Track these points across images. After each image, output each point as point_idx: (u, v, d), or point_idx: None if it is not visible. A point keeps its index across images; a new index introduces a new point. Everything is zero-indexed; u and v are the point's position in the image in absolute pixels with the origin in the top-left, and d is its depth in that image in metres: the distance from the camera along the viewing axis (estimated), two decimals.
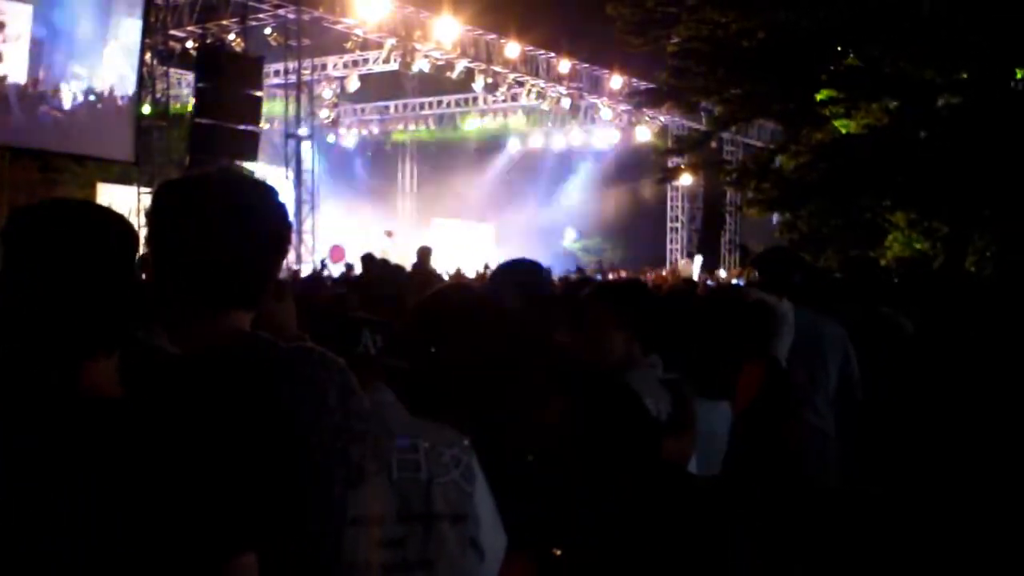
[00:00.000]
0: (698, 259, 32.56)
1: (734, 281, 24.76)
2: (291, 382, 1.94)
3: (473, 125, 35.62)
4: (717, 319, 4.44)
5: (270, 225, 2.08)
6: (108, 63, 19.49)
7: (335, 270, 20.25)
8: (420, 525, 2.56)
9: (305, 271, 18.99)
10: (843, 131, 18.35)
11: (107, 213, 1.84)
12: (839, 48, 17.47)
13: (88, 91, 19.08)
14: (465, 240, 32.93)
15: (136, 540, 1.66)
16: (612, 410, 3.20)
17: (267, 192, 2.11)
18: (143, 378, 1.86)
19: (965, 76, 15.48)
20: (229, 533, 1.75)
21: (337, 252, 24.74)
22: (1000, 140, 15.98)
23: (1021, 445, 5.95)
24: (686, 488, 3.45)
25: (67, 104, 18.67)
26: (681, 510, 3.34)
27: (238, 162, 18.76)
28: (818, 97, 17.69)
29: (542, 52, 28.85)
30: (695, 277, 24.79)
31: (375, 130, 37.30)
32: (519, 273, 3.72)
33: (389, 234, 27.84)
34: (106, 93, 19.50)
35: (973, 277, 16.22)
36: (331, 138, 35.17)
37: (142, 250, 1.90)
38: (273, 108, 26.25)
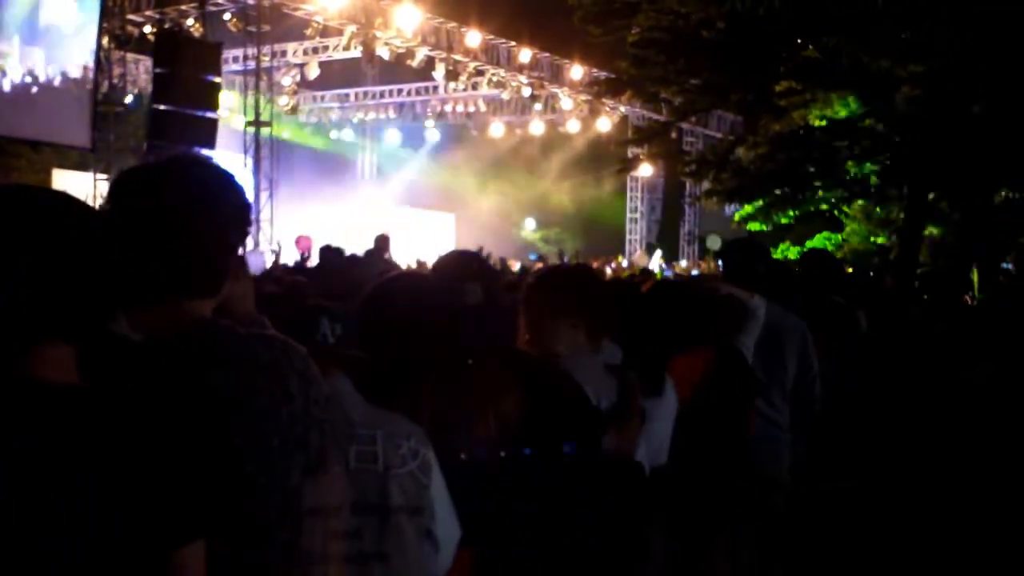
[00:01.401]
0: (658, 252, 32.67)
1: (694, 272, 24.87)
2: (251, 369, 1.93)
3: (433, 113, 35.52)
4: (661, 309, 4.42)
5: (230, 212, 2.07)
6: (63, 47, 19.27)
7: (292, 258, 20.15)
8: (376, 517, 2.56)
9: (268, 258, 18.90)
10: (801, 122, 18.46)
11: (66, 200, 1.81)
12: (799, 40, 17.56)
13: (43, 75, 18.85)
14: (425, 229, 32.88)
15: (77, 528, 1.64)
16: (548, 401, 3.22)
17: (226, 178, 2.10)
18: (101, 366, 1.85)
19: (922, 69, 15.59)
20: (176, 522, 1.73)
21: (304, 242, 24.59)
22: (956, 132, 16.14)
23: (973, 437, 6.01)
24: (615, 479, 3.48)
25: (20, 88, 18.44)
26: (604, 500, 3.37)
27: (196, 149, 18.60)
28: (777, 88, 17.78)
29: (503, 41, 28.80)
30: (655, 268, 24.86)
31: (335, 118, 37.12)
32: (464, 262, 3.70)
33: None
34: (62, 77, 19.29)
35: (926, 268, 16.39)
36: (290, 125, 34.94)
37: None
38: (231, 100, 26.10)
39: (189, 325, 1.96)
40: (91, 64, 19.80)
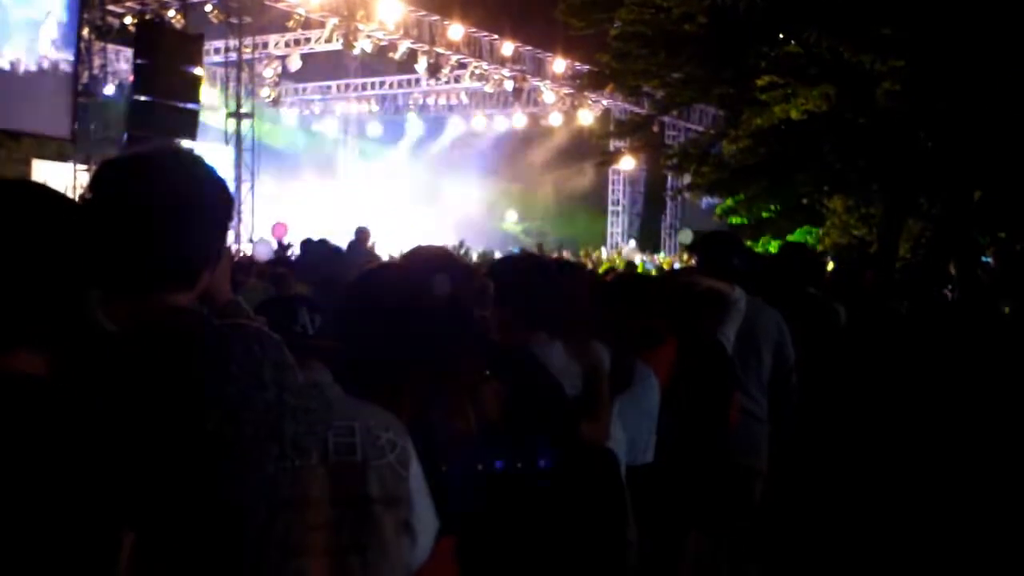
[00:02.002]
0: (631, 243, 32.74)
1: (676, 265, 24.91)
2: (224, 358, 1.93)
3: (415, 106, 35.49)
4: (623, 303, 4.43)
5: (211, 204, 2.06)
6: (44, 37, 19.17)
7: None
8: (354, 509, 2.56)
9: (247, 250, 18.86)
10: (782, 116, 18.49)
11: (38, 194, 1.81)
12: (780, 35, 17.59)
13: (23, 65, 18.76)
14: (406, 222, 32.81)
15: (25, 516, 1.64)
16: (527, 393, 3.24)
17: (208, 170, 2.09)
18: (73, 355, 1.85)
19: (902, 64, 15.64)
20: (117, 510, 1.74)
21: (280, 229, 24.50)
22: (935, 128, 16.22)
23: (953, 430, 6.05)
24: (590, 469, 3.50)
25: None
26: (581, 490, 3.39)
27: (176, 140, 18.52)
28: (758, 83, 17.80)
29: (485, 34, 28.79)
30: (636, 261, 24.92)
31: (317, 110, 37.05)
32: (432, 254, 3.70)
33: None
34: (42, 67, 19.19)
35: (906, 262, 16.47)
36: (272, 117, 34.87)
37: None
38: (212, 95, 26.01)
39: (161, 315, 1.96)
40: (72, 54, 19.70)
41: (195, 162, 2.11)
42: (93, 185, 2.01)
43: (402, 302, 3.00)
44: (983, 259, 17.55)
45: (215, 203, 2.07)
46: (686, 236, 28.46)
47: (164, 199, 1.96)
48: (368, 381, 2.81)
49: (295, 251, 14.44)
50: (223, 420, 1.89)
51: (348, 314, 2.93)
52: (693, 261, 13.20)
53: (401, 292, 3.05)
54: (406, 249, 3.74)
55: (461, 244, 22.27)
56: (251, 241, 20.58)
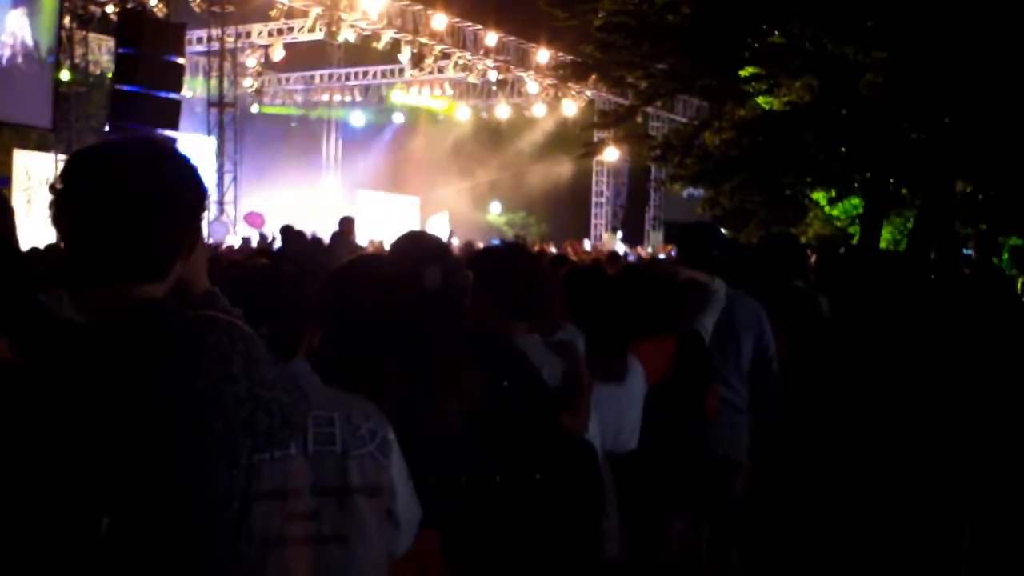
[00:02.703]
0: (618, 234, 32.75)
1: (660, 256, 24.93)
2: (194, 351, 1.90)
3: (399, 97, 35.39)
4: (625, 294, 4.45)
5: (184, 195, 2.04)
6: (24, 26, 19.07)
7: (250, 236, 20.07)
8: (335, 498, 2.56)
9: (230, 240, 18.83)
10: (766, 107, 18.54)
11: None
12: (763, 26, 17.62)
13: (3, 54, 18.66)
14: (390, 213, 32.78)
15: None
16: (509, 383, 3.24)
17: (181, 161, 2.07)
18: (39, 345, 1.85)
19: (885, 55, 15.69)
20: (93, 500, 1.74)
21: (253, 218, 24.39)
22: (918, 118, 16.27)
23: (935, 422, 6.07)
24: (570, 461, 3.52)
25: None
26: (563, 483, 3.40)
27: (159, 130, 18.45)
28: (742, 74, 17.84)
29: (469, 24, 28.74)
30: (620, 251, 24.92)
31: (300, 100, 36.94)
32: (421, 244, 3.69)
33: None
34: (23, 57, 19.09)
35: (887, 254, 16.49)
36: (255, 108, 34.78)
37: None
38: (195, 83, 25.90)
39: (131, 307, 1.94)
40: (53, 43, 19.61)
41: (167, 152, 2.09)
42: (64, 175, 1.99)
43: (386, 292, 3.00)
44: (964, 251, 17.64)
45: (187, 193, 2.04)
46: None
47: (133, 189, 1.94)
48: (351, 371, 2.82)
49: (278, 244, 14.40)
50: (193, 414, 1.87)
51: (331, 305, 2.93)
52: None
53: (384, 282, 3.05)
54: (392, 239, 3.73)
55: (451, 234, 22.08)
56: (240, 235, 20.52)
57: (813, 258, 13.66)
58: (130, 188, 1.94)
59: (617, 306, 4.32)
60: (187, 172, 2.06)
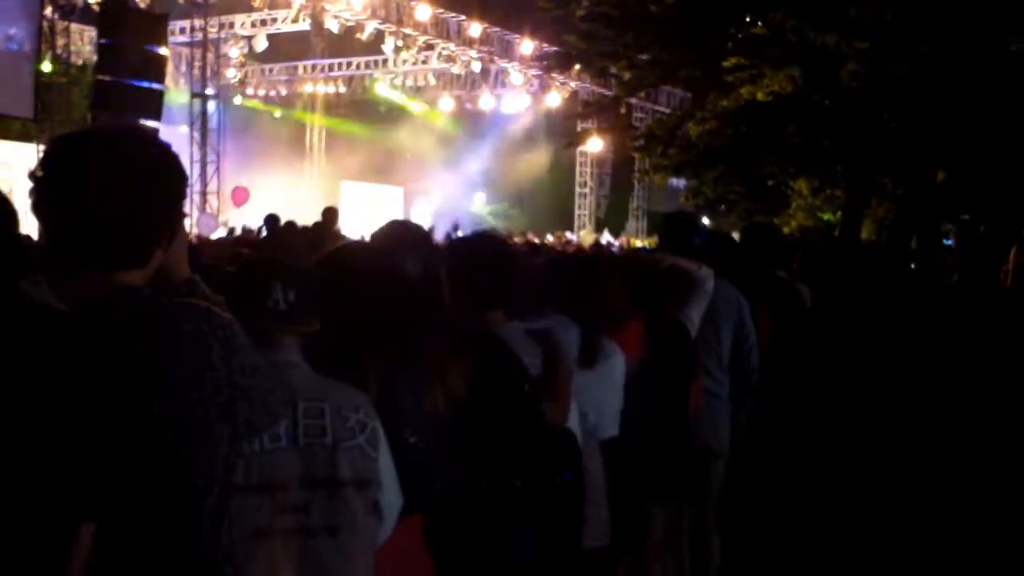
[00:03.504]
0: (604, 231, 32.79)
1: (641, 245, 24.96)
2: (172, 338, 1.90)
3: (383, 88, 35.31)
4: (593, 281, 4.46)
5: (162, 183, 2.03)
6: (5, 16, 18.97)
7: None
8: (325, 491, 2.57)
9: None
10: (748, 98, 18.53)
11: None
12: (746, 17, 17.63)
13: None
14: (374, 203, 32.71)
15: None
16: (492, 373, 3.25)
17: (161, 149, 2.06)
18: (17, 333, 1.86)
19: (867, 46, 15.71)
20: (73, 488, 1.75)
21: (239, 193, 24.27)
22: (900, 109, 16.31)
23: (916, 412, 6.10)
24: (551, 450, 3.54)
25: None
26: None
27: (141, 120, 18.37)
28: (725, 64, 17.82)
29: (453, 15, 28.69)
30: (604, 242, 24.95)
31: (283, 91, 36.81)
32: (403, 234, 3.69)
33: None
34: (4, 47, 18.98)
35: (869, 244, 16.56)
36: (238, 99, 34.65)
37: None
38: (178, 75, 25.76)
39: (109, 294, 1.93)
40: (34, 33, 19.51)
41: (146, 139, 2.08)
42: (43, 162, 1.98)
43: (371, 281, 3.01)
44: (945, 241, 17.71)
45: (166, 181, 2.04)
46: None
47: (112, 175, 1.94)
48: (336, 358, 2.83)
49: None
50: (171, 399, 1.87)
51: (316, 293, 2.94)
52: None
53: (370, 271, 3.06)
54: (368, 231, 3.72)
55: (455, 227, 21.86)
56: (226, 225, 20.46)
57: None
58: (109, 174, 1.94)
59: (594, 292, 4.33)
60: (166, 159, 2.05)
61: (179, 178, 2.08)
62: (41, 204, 1.95)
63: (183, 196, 2.10)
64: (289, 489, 2.52)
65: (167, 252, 2.03)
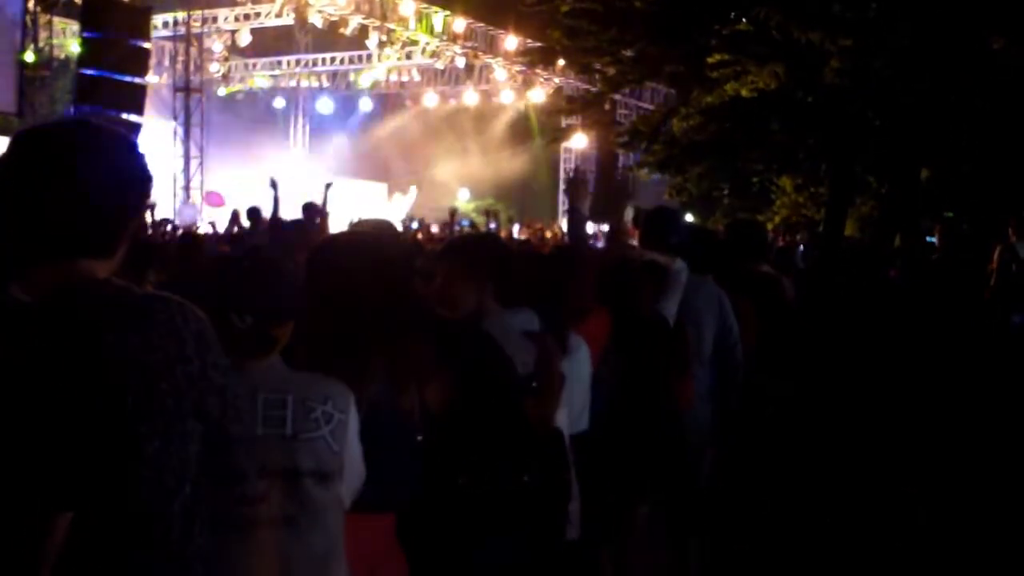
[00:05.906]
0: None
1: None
2: (146, 328, 1.90)
3: (367, 83, 35.21)
4: (557, 273, 4.46)
5: (127, 175, 2.05)
6: None
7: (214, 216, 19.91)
8: (284, 482, 2.56)
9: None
10: (732, 94, 18.57)
11: None
12: (731, 13, 17.65)
13: None
14: (357, 199, 32.62)
15: None
16: (477, 370, 3.25)
17: (126, 142, 2.08)
18: None
19: (850, 43, 15.75)
20: (47, 490, 1.74)
21: (212, 197, 24.21)
22: (883, 106, 16.36)
23: (899, 405, 6.12)
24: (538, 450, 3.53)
25: None
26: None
27: (124, 114, 18.29)
28: (709, 61, 17.85)
29: (436, 11, 28.64)
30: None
31: (266, 86, 36.69)
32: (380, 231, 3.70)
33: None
34: None
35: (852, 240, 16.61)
36: (221, 92, 34.51)
37: None
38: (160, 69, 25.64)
39: (78, 285, 1.93)
40: (17, 26, 19.42)
41: (111, 132, 2.08)
42: (9, 152, 1.99)
43: (358, 280, 3.00)
44: (928, 239, 17.76)
45: (130, 172, 2.05)
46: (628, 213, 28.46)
47: (77, 168, 1.95)
48: (318, 354, 2.82)
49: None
50: (142, 389, 1.86)
51: (312, 282, 2.94)
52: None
53: (356, 269, 3.04)
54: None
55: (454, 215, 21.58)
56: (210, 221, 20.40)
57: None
58: (72, 163, 1.95)
59: (556, 285, 4.32)
60: (132, 153, 2.06)
61: (143, 172, 2.08)
62: (5, 193, 1.95)
63: (148, 189, 2.11)
64: (247, 480, 2.51)
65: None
